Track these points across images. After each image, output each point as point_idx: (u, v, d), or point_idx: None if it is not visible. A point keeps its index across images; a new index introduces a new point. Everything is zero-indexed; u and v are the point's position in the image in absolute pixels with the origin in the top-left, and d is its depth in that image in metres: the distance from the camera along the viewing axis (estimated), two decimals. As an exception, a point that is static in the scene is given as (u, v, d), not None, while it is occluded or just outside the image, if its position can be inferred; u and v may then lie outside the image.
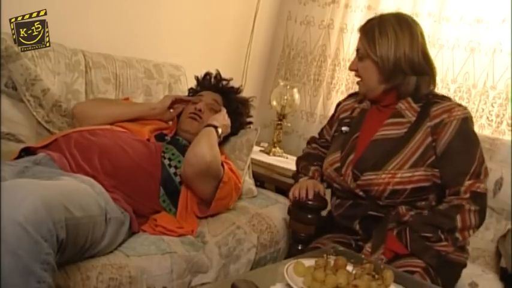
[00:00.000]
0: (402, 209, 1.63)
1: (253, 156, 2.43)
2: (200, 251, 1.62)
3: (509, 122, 2.31)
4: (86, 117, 1.91)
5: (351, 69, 1.75)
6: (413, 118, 1.64)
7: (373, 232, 1.62)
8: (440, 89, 2.51)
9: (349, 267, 1.16)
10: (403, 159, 1.61)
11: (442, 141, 1.59)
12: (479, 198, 1.55)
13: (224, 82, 2.12)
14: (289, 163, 2.63)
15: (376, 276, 1.14)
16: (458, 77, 2.47)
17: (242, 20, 3.00)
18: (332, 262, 1.17)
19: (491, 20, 2.37)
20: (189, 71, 2.38)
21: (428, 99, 1.65)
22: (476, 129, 2.33)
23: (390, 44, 1.62)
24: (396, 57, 1.61)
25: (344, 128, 1.82)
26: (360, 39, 1.69)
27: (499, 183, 1.92)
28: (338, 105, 1.94)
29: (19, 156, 1.62)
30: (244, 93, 2.25)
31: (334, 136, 1.87)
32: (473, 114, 2.39)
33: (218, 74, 2.14)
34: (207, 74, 2.15)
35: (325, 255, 1.19)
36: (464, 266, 1.64)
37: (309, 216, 1.77)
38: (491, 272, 1.79)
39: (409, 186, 1.60)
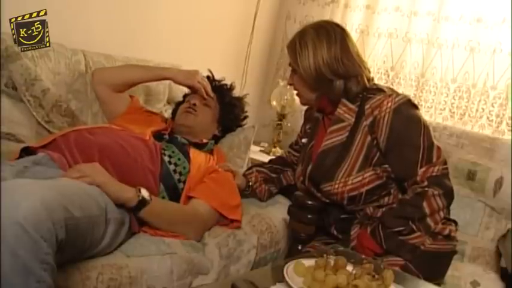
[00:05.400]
0: (370, 209, 1.66)
1: (253, 156, 2.44)
2: (200, 252, 1.62)
3: (509, 122, 2.31)
4: (105, 78, 2.04)
5: (288, 83, 1.81)
6: (352, 120, 1.66)
7: (346, 235, 1.67)
8: (439, 88, 2.52)
9: (349, 267, 1.16)
10: (350, 165, 1.63)
11: (381, 139, 1.60)
12: (439, 181, 1.56)
13: (216, 82, 2.14)
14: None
15: (376, 276, 1.14)
16: (458, 77, 2.47)
17: (242, 20, 3.00)
18: (332, 262, 1.17)
19: (491, 19, 2.38)
20: (189, 71, 2.38)
21: (364, 96, 1.65)
22: (476, 129, 2.37)
23: (309, 54, 1.65)
24: (316, 66, 1.64)
25: (303, 140, 1.89)
26: (288, 54, 1.73)
27: (499, 183, 1.92)
28: (305, 112, 2.00)
29: (19, 157, 1.62)
30: (244, 93, 2.26)
31: (301, 147, 1.93)
32: (473, 114, 2.42)
33: (210, 74, 2.15)
34: None
35: (325, 255, 1.19)
36: (454, 252, 1.65)
37: (309, 216, 1.77)
38: (491, 271, 1.79)
39: (363, 189, 1.62)
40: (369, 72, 1.73)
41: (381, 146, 1.61)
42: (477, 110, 2.41)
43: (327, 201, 1.71)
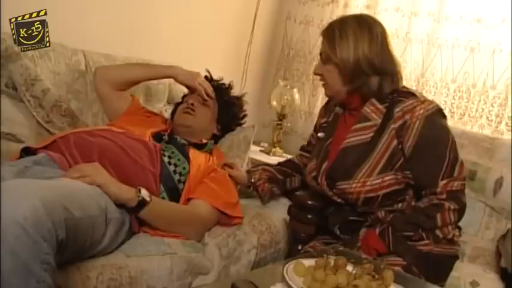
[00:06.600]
0: (381, 213, 1.63)
1: (253, 156, 2.43)
2: (200, 253, 1.62)
3: (509, 122, 2.31)
4: (107, 76, 2.04)
5: (315, 73, 1.74)
6: (379, 120, 1.62)
7: (350, 236, 1.65)
8: (439, 88, 2.52)
9: (349, 267, 1.16)
10: (371, 165, 1.60)
11: (408, 144, 1.57)
12: (457, 197, 1.56)
13: (215, 81, 2.15)
14: (289, 163, 2.63)
15: (376, 276, 1.14)
16: (458, 77, 2.47)
17: (242, 19, 3.00)
18: (332, 262, 1.17)
19: (491, 19, 2.38)
20: (189, 71, 2.38)
21: (393, 98, 1.62)
22: (475, 129, 2.37)
23: (349, 46, 1.60)
24: (355, 58, 1.60)
25: (320, 134, 1.83)
26: (322, 42, 1.68)
27: (499, 183, 1.92)
28: (322, 108, 1.95)
29: (20, 157, 1.62)
30: (244, 93, 2.26)
31: (314, 136, 1.89)
32: (472, 114, 2.42)
33: (208, 74, 2.15)
34: None
35: (325, 255, 1.19)
36: (456, 257, 1.65)
37: (309, 216, 1.77)
38: (491, 271, 1.79)
39: (381, 192, 1.60)
40: (402, 73, 1.70)
41: (405, 152, 1.58)
42: (477, 110, 2.41)
43: (338, 200, 1.67)
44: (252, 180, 1.92)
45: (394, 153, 1.59)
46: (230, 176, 1.90)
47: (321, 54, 1.69)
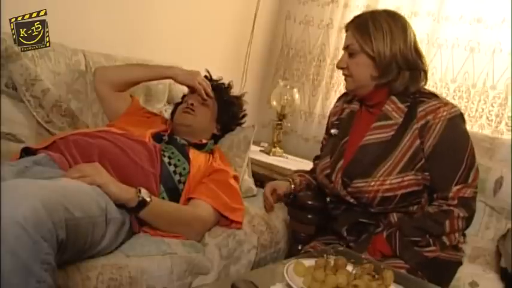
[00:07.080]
0: (394, 217, 1.61)
1: (253, 156, 2.43)
2: (201, 253, 1.62)
3: (508, 122, 2.31)
4: (107, 76, 2.04)
5: (339, 67, 1.69)
6: (400, 119, 1.60)
7: (361, 238, 1.62)
8: (439, 88, 2.52)
9: (349, 267, 1.16)
10: (392, 164, 1.57)
11: (427, 145, 1.56)
12: (468, 204, 1.55)
13: (214, 81, 2.15)
14: (289, 163, 2.64)
15: (376, 276, 1.14)
16: (458, 77, 2.47)
17: (242, 19, 3.00)
18: (332, 262, 1.17)
19: (491, 19, 2.38)
20: (189, 71, 2.38)
21: (415, 98, 1.60)
22: (475, 129, 2.37)
23: (386, 39, 1.57)
24: (393, 53, 1.57)
25: (333, 131, 1.78)
26: (352, 34, 1.62)
27: (499, 183, 1.92)
28: (333, 107, 1.92)
29: (20, 157, 1.62)
30: (244, 93, 2.26)
31: (326, 139, 1.85)
32: (472, 114, 2.42)
33: (208, 74, 2.15)
34: None
35: (325, 255, 1.19)
36: (459, 264, 1.65)
37: (309, 216, 1.77)
38: (491, 271, 1.79)
39: (399, 192, 1.57)
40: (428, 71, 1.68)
41: (425, 151, 1.57)
42: (477, 110, 2.41)
43: (351, 200, 1.63)
44: (293, 187, 1.83)
45: (416, 153, 1.57)
46: (278, 193, 1.82)
47: (347, 47, 1.64)
